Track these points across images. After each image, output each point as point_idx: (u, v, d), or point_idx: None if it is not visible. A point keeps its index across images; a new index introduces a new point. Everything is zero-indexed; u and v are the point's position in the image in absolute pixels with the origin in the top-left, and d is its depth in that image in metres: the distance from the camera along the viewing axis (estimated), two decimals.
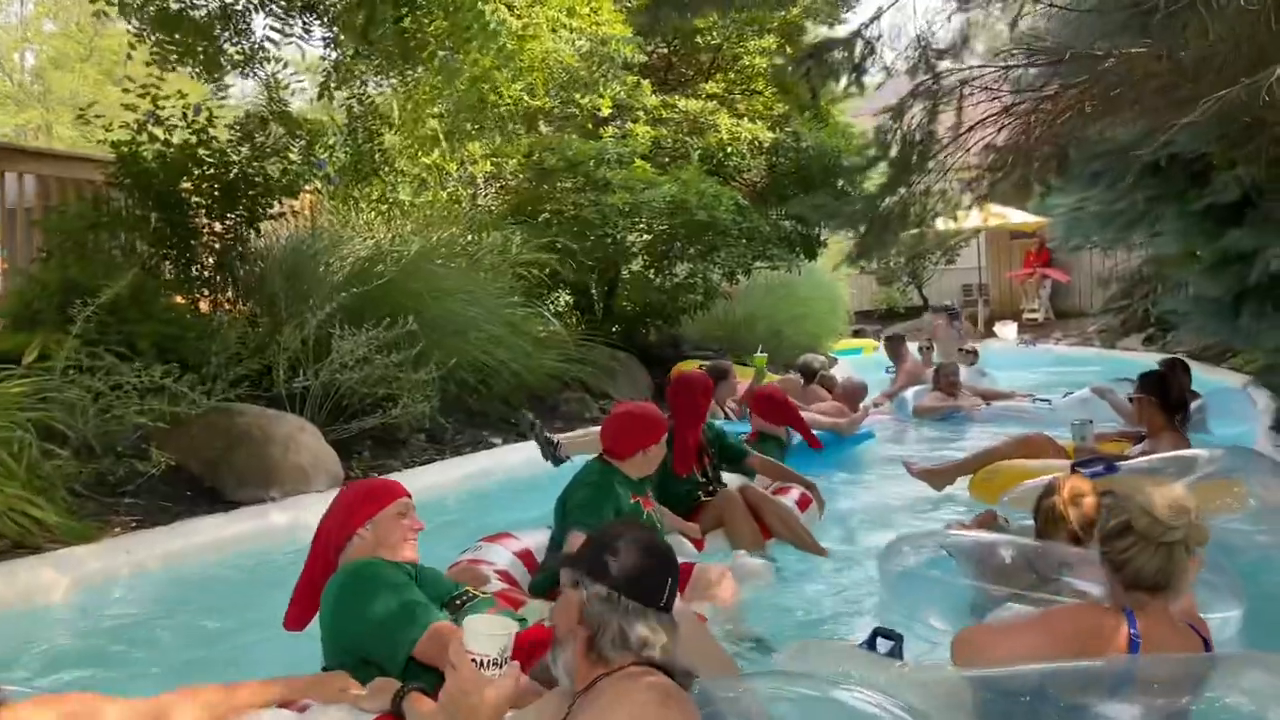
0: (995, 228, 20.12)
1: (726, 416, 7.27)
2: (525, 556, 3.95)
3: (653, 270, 9.80)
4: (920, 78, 4.31)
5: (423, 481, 5.87)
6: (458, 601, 2.74)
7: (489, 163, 8.80)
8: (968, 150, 4.17)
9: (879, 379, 10.69)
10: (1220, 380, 9.86)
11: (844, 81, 4.31)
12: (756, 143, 9.26)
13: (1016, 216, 19.25)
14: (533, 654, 2.41)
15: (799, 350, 12.50)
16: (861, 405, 8.05)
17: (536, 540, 4.07)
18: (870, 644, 2.80)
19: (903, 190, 4.04)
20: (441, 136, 8.13)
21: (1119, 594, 2.50)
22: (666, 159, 9.37)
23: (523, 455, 6.97)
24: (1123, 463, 4.57)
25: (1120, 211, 6.23)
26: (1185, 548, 2.43)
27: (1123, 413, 7.03)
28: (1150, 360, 12.86)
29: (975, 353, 11.07)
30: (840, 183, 9.48)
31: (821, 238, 10.29)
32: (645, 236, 9.58)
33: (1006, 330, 18.54)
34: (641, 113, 8.94)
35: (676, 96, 9.56)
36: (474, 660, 1.81)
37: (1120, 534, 2.47)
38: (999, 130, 3.97)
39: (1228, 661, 2.55)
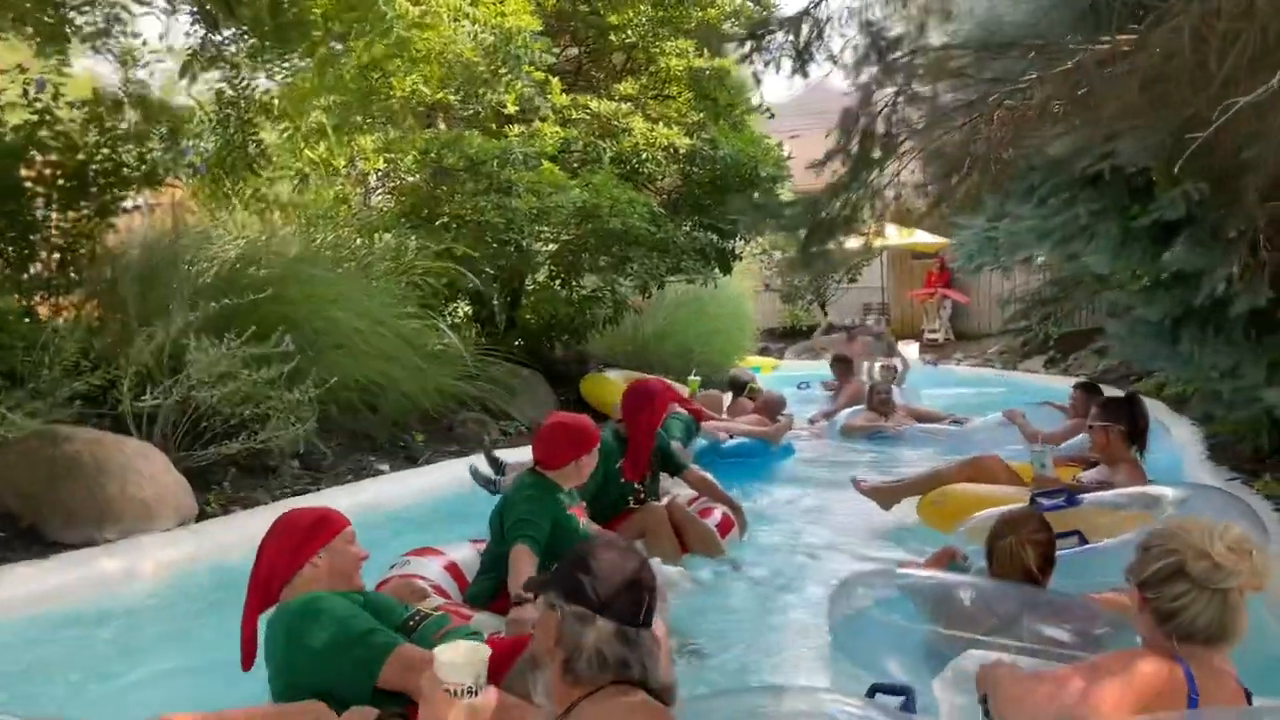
0: (898, 246, 20.20)
1: None
2: (453, 569, 3.93)
3: (559, 281, 9.16)
4: (867, 70, 3.81)
5: None
6: (411, 623, 2.73)
7: (381, 159, 8.04)
8: (922, 151, 3.69)
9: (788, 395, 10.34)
10: None
11: (787, 68, 3.79)
12: (672, 148, 8.72)
13: (919, 236, 19.32)
14: (499, 668, 2.39)
15: (707, 367, 12.08)
16: (781, 416, 7.94)
17: (462, 554, 4.04)
18: None
19: (858, 190, 3.54)
20: (329, 129, 7.34)
21: (1166, 643, 2.20)
22: (576, 163, 8.76)
23: (414, 485, 6.26)
24: (1084, 495, 4.27)
25: (1057, 227, 5.91)
26: (1240, 592, 2.17)
27: (1030, 439, 6.79)
28: (1055, 383, 12.89)
29: (895, 370, 10.88)
30: (757, 194, 9.02)
31: (736, 251, 9.81)
32: (552, 245, 8.95)
33: (908, 350, 18.52)
34: (550, 111, 8.32)
35: (588, 97, 8.96)
36: (448, 691, 1.79)
37: (1170, 579, 2.18)
38: (961, 127, 3.49)
39: None
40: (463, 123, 8.32)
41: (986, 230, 11.95)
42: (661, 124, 8.82)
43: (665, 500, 4.93)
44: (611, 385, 8.63)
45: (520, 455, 6.13)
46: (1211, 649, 2.18)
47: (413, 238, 7.73)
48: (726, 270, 9.61)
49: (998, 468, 5.32)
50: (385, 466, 6.47)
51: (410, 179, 8.23)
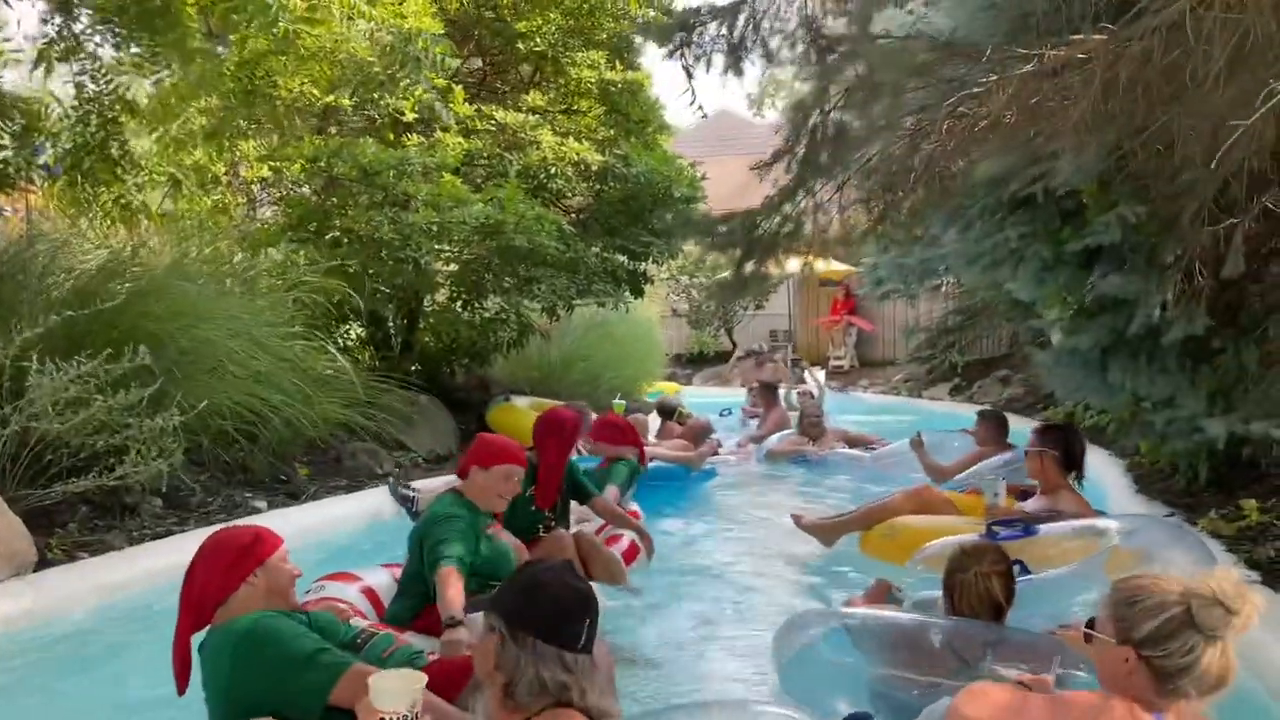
0: (808, 274, 20.23)
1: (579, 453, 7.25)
2: (369, 594, 3.82)
3: (460, 302, 8.61)
4: (808, 67, 3.46)
5: (156, 561, 4.52)
6: (359, 641, 2.77)
7: (266, 167, 7.39)
8: (869, 160, 3.35)
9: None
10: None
11: (720, 64, 3.41)
12: (583, 165, 8.29)
13: (822, 261, 19.36)
14: (455, 686, 2.51)
15: (615, 394, 11.69)
16: (709, 441, 8.23)
17: (378, 579, 3.93)
18: None
19: (801, 200, 3.17)
20: (202, 131, 6.67)
21: (1149, 696, 2.05)
22: (481, 177, 8.25)
23: (295, 524, 5.61)
24: (1040, 525, 4.17)
25: (986, 251, 5.68)
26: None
27: (930, 471, 6.65)
28: (961, 410, 12.89)
29: (813, 394, 10.90)
30: (670, 216, 8.67)
31: (647, 274, 9.42)
32: (453, 265, 8.41)
33: (816, 377, 18.47)
34: (452, 121, 7.80)
35: (493, 107, 8.47)
36: (384, 718, 1.82)
37: (1177, 633, 2.01)
38: (910, 135, 3.16)
39: None
40: (356, 131, 7.74)
41: (898, 256, 11.91)
42: (571, 138, 8.40)
43: (574, 530, 4.95)
44: (521, 414, 8.27)
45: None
46: (1201, 698, 2.05)
47: (300, 252, 7.11)
48: (638, 293, 9.21)
49: (938, 499, 5.22)
50: (262, 504, 5.82)
51: (298, 189, 7.60)
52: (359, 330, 8.69)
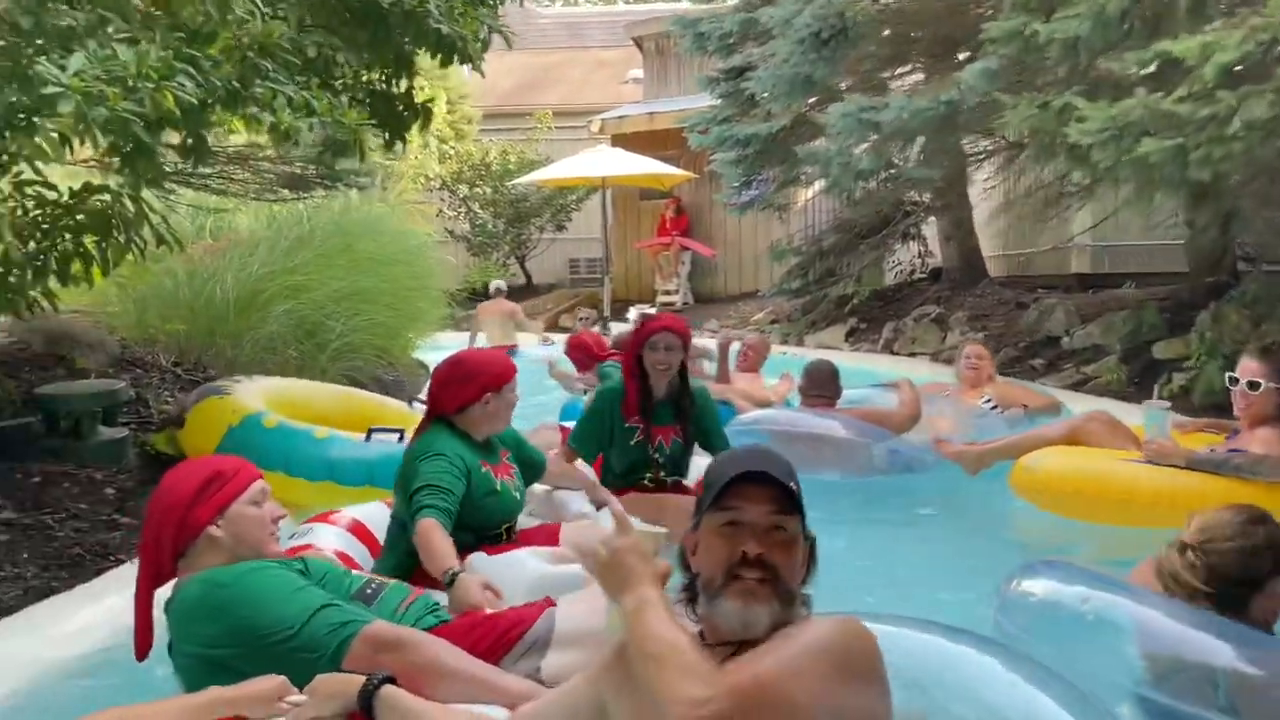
0: (621, 182, 15.18)
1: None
2: (357, 530, 3.17)
3: None
4: None
5: None
6: (368, 591, 2.38)
7: None
8: None
9: None
10: None
11: None
12: None
13: (645, 165, 14.17)
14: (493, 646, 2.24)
15: (357, 365, 6.41)
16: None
17: (366, 511, 3.31)
18: None
19: None
20: None
21: None
22: None
23: None
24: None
25: None
26: None
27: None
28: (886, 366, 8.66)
29: None
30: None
31: (416, 100, 4.18)
32: None
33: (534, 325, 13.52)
34: None
35: None
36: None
37: None
38: None
39: None
40: None
41: (862, 110, 7.16)
42: None
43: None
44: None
45: None
46: None
47: None
48: (399, 132, 3.99)
49: (1103, 430, 4.31)
50: None
51: None
52: None
